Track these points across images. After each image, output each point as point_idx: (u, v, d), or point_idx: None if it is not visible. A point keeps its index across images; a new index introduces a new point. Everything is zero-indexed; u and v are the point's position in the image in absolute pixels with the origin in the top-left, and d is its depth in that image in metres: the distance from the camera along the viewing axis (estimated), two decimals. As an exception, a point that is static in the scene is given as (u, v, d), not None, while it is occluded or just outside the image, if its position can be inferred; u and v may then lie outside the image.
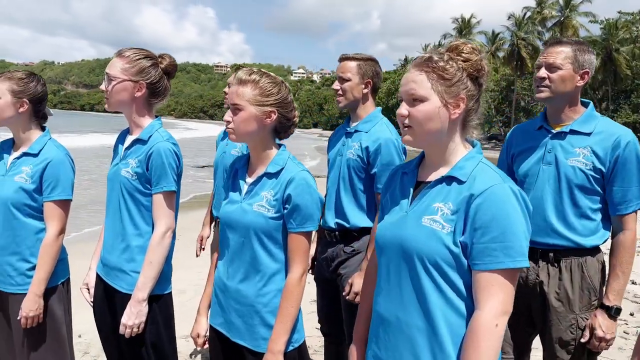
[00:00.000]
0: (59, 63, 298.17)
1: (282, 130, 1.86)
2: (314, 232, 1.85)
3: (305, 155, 28.51)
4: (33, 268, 2.22)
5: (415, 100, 1.40)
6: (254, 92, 1.78)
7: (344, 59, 2.61)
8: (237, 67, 3.11)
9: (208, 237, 3.55)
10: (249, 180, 1.86)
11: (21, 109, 2.23)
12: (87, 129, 44.05)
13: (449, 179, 1.40)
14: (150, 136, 2.10)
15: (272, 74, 1.84)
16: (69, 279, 2.37)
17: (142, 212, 2.09)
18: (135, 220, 2.09)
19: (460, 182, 1.38)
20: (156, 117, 2.19)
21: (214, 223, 3.50)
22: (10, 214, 2.20)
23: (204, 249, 3.57)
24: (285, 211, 1.77)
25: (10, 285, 2.23)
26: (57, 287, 2.29)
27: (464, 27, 60.54)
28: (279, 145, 1.89)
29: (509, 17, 53.35)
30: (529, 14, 53.23)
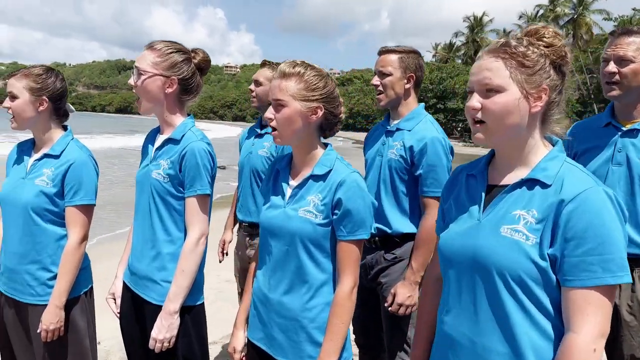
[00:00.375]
0: (70, 65, 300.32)
1: (327, 127, 1.70)
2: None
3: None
4: (54, 277, 2.07)
5: (489, 90, 1.23)
6: (299, 86, 1.61)
7: (384, 52, 2.43)
8: (263, 62, 2.94)
9: (230, 242, 3.39)
10: (293, 183, 1.69)
11: (41, 108, 2.07)
12: (98, 130, 44.18)
13: (530, 182, 1.23)
14: (183, 135, 1.94)
15: (316, 65, 1.68)
16: (91, 287, 2.22)
17: (173, 217, 1.93)
18: (167, 225, 1.93)
19: (544, 185, 1.21)
20: (188, 115, 2.03)
21: (237, 226, 3.34)
22: (30, 220, 2.05)
23: (226, 253, 3.41)
24: (335, 217, 1.60)
25: (30, 296, 2.09)
26: (80, 297, 2.14)
27: (476, 25, 60.04)
28: (325, 145, 1.72)
29: (520, 16, 52.82)
30: (541, 11, 52.68)
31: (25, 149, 2.18)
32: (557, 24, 51.74)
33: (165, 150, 1.95)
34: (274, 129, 1.64)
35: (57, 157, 2.09)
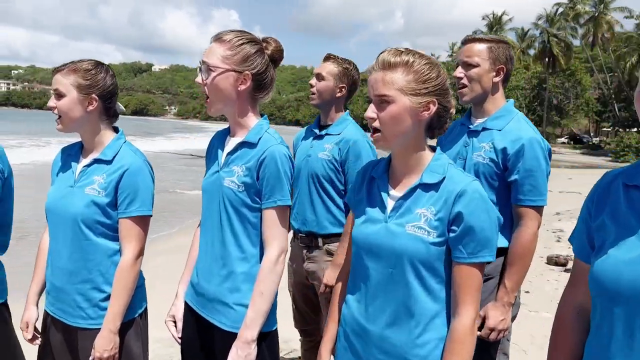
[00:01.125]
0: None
1: (437, 125, 1.44)
2: None
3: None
4: (107, 298, 1.84)
5: None
6: (408, 77, 1.35)
7: (470, 40, 2.16)
8: (327, 56, 2.67)
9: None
10: (395, 193, 1.43)
11: (90, 107, 1.84)
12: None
13: None
14: (259, 138, 1.69)
15: (424, 52, 1.42)
16: (146, 308, 1.98)
17: (248, 231, 1.68)
18: (241, 240, 1.68)
19: None
20: (260, 115, 1.79)
21: (290, 235, 3.09)
22: (81, 233, 1.82)
23: None
24: (452, 234, 1.34)
25: (81, 319, 1.85)
26: (134, 320, 1.90)
27: (495, 24, 59.27)
28: (432, 148, 1.46)
29: (539, 18, 52.00)
30: (560, 10, 51.86)
31: (72, 153, 1.95)
32: (577, 22, 50.94)
33: (239, 155, 1.70)
34: (375, 130, 1.39)
35: (109, 162, 1.85)
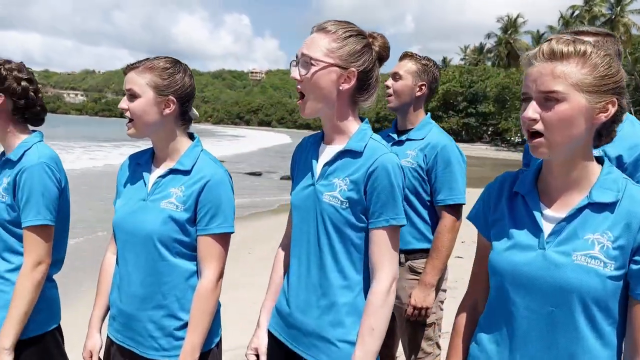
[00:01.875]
0: (100, 72, 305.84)
1: (607, 132, 1.20)
2: None
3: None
4: (183, 327, 1.62)
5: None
6: (583, 71, 1.12)
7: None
8: (404, 54, 2.44)
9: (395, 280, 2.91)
10: (553, 213, 1.19)
11: (167, 110, 1.63)
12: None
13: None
14: (365, 146, 1.47)
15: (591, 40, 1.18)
16: (221, 336, 1.77)
17: (351, 255, 1.46)
18: (343, 266, 1.46)
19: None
20: (360, 119, 1.57)
21: None
22: (157, 254, 1.60)
23: None
24: (635, 267, 1.10)
25: (153, 350, 1.64)
26: (211, 351, 1.68)
27: (510, 26, 58.81)
28: (599, 159, 1.22)
29: (557, 22, 51.44)
30: (576, 12, 51.33)
31: (142, 162, 1.73)
32: (594, 24, 50.40)
33: (340, 166, 1.47)
34: (535, 135, 1.14)
35: (187, 172, 1.64)
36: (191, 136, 1.73)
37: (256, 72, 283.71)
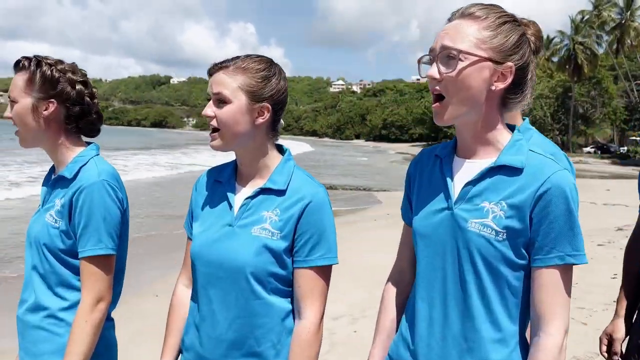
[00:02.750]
0: (106, 80, 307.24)
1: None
2: None
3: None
4: None
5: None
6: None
7: None
8: None
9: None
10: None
11: (260, 119, 1.37)
12: (128, 145, 44.29)
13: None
14: (524, 160, 1.17)
15: None
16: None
17: (506, 300, 1.17)
18: (496, 314, 1.16)
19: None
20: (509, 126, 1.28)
21: None
22: (249, 290, 1.33)
23: None
24: None
25: (242, 405, 1.37)
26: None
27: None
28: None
29: (569, 27, 51.14)
30: (586, 17, 51.02)
31: (224, 180, 1.46)
32: (603, 29, 49.98)
33: (491, 186, 1.18)
34: None
35: (281, 193, 1.37)
36: (279, 149, 1.47)
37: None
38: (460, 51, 1.14)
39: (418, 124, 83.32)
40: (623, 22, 48.41)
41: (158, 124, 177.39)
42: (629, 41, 47.87)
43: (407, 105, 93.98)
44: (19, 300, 1.58)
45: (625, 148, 54.57)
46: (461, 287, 1.18)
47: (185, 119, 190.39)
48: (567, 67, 50.63)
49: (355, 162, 36.43)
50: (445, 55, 1.16)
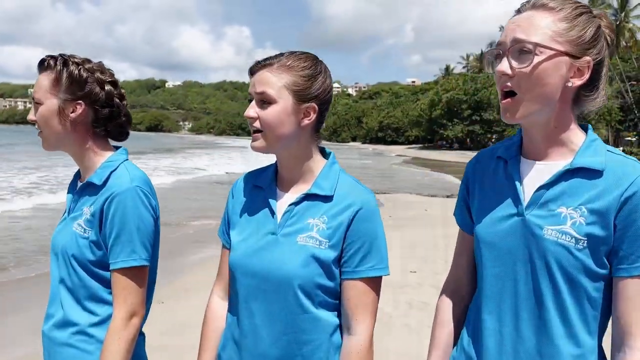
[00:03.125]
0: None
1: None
2: None
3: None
4: None
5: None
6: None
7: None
8: None
9: None
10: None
11: (305, 121, 1.28)
12: (138, 149, 44.07)
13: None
14: (604, 162, 1.09)
15: None
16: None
17: (585, 314, 1.09)
18: (575, 328, 1.08)
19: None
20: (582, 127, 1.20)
21: None
22: (297, 305, 1.24)
23: None
24: None
25: None
26: None
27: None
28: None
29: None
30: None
31: (264, 185, 1.37)
32: (598, 30, 50.08)
33: (568, 190, 1.09)
34: None
35: (329, 198, 1.28)
36: (322, 152, 1.38)
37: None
38: (536, 44, 1.06)
39: (414, 126, 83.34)
40: (617, 23, 48.61)
41: (154, 127, 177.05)
42: (623, 42, 48.12)
43: (402, 107, 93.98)
44: (44, 315, 1.49)
45: (621, 148, 54.76)
46: (536, 299, 1.10)
47: (181, 123, 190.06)
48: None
49: (357, 165, 36.38)
50: (518, 49, 1.08)
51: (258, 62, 1.27)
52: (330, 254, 1.24)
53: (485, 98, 62.19)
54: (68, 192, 1.54)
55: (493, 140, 66.11)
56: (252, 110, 1.26)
